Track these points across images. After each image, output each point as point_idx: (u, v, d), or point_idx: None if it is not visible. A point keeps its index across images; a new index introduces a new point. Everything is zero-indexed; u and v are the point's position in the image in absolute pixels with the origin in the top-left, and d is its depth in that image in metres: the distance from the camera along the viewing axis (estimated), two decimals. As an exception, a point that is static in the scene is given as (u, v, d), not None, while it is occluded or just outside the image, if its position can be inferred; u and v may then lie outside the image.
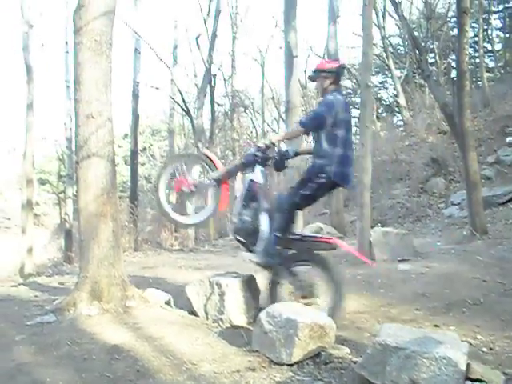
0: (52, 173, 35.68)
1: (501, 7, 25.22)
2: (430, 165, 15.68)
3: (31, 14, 17.50)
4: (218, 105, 17.32)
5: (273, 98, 28.17)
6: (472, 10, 17.08)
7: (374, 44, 10.76)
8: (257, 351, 4.00)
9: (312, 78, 4.99)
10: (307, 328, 3.77)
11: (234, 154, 22.23)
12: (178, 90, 16.67)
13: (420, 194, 14.92)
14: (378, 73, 30.24)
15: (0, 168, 26.38)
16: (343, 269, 7.60)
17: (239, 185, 4.97)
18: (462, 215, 11.75)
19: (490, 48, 25.40)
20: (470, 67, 10.41)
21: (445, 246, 8.77)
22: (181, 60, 18.97)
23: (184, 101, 16.43)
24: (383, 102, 32.68)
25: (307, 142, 12.89)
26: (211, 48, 16.71)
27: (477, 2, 20.31)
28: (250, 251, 4.86)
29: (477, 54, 22.56)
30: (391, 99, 31.30)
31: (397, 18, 20.01)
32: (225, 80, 23.54)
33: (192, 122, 17.00)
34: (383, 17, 23.66)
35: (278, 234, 4.62)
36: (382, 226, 11.54)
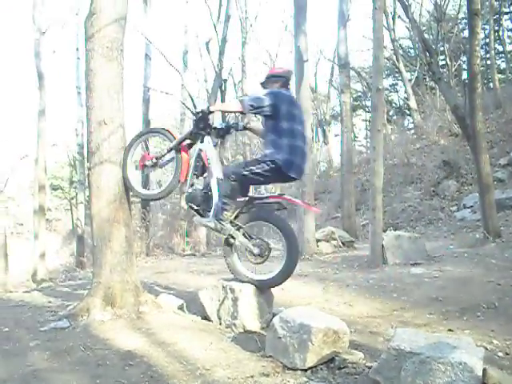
0: (64, 178, 35.93)
1: (512, 8, 25.09)
2: (442, 167, 15.60)
3: (42, 21, 17.63)
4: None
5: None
6: (482, 12, 17.02)
7: (384, 47, 10.72)
8: (270, 356, 4.00)
9: (263, 85, 5.06)
10: (321, 333, 3.76)
11: (244, 159, 22.24)
12: (189, 95, 16.71)
13: (432, 197, 14.84)
14: (388, 76, 30.23)
15: (12, 174, 26.54)
16: (356, 273, 7.60)
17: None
18: (475, 218, 11.68)
19: (501, 49, 25.26)
20: (481, 69, 10.33)
21: (458, 249, 8.71)
22: (191, 65, 18.95)
23: (195, 106, 16.44)
24: (394, 104, 32.62)
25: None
26: (221, 53, 16.74)
27: (487, 3, 20.23)
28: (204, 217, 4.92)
29: (488, 56, 22.48)
30: (402, 102, 31.26)
31: (407, 20, 19.99)
32: (235, 85, 23.60)
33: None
34: (393, 19, 23.63)
35: (224, 200, 4.68)
36: (394, 230, 11.48)
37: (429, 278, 6.56)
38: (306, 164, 4.85)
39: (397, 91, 33.22)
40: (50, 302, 6.18)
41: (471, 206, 12.77)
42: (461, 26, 23.90)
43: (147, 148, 5.41)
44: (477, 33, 8.98)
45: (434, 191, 15.04)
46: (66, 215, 33.38)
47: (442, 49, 21.21)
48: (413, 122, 24.72)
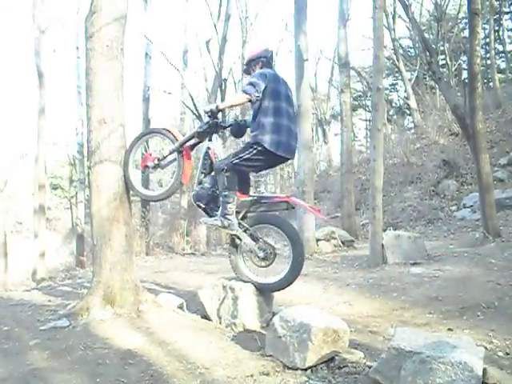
0: (64, 177, 35.92)
1: (512, 8, 25.08)
2: (442, 167, 15.60)
3: (43, 20, 17.63)
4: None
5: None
6: (483, 11, 17.02)
7: (384, 46, 10.71)
8: (270, 356, 4.00)
9: (247, 71, 5.07)
10: (321, 332, 3.76)
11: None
12: (189, 95, 16.70)
13: (432, 197, 14.83)
14: (388, 75, 30.23)
15: (12, 173, 26.54)
16: (356, 273, 7.60)
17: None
18: (475, 218, 11.68)
19: (501, 49, 25.25)
20: (481, 68, 10.33)
21: (457, 249, 8.70)
22: (191, 64, 18.93)
23: (195, 105, 16.44)
24: (394, 104, 32.61)
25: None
26: (221, 52, 16.75)
27: (488, 2, 20.22)
28: (212, 217, 4.92)
29: (488, 55, 22.47)
30: (402, 101, 31.25)
31: (407, 19, 19.97)
32: (235, 84, 23.57)
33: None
34: (393, 19, 23.64)
35: (225, 193, 4.65)
36: (394, 229, 11.47)
37: (429, 278, 6.56)
38: (295, 142, 4.76)
39: (397, 91, 33.27)
40: (49, 300, 6.17)
41: (471, 206, 12.78)
42: (461, 26, 23.91)
43: (148, 148, 5.42)
44: (477, 32, 8.97)
45: (433, 191, 15.03)
46: (66, 214, 33.34)
47: (442, 48, 21.22)
48: (413, 122, 24.73)
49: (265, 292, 4.89)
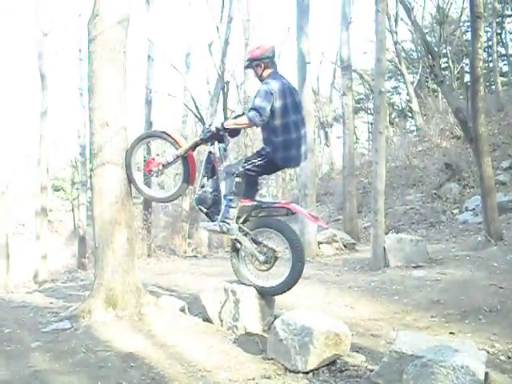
0: (66, 180, 35.94)
1: (514, 11, 25.04)
2: (444, 170, 15.58)
3: (45, 23, 17.69)
4: (231, 111, 17.30)
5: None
6: (485, 14, 17.00)
7: (386, 49, 10.72)
8: (272, 359, 4.00)
9: (248, 68, 5.06)
10: (322, 336, 3.76)
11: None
12: (191, 97, 16.71)
13: (434, 200, 14.81)
14: (390, 78, 30.16)
15: (14, 175, 26.57)
16: (357, 276, 7.60)
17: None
18: (477, 221, 11.66)
19: (503, 52, 25.21)
20: (483, 72, 10.33)
21: (459, 252, 8.69)
22: (194, 67, 18.97)
23: (197, 107, 16.44)
24: (396, 107, 32.58)
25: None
26: (224, 55, 16.73)
27: (490, 5, 20.21)
28: (214, 221, 4.93)
29: (490, 59, 22.44)
30: (404, 104, 31.22)
31: (409, 23, 19.93)
32: (237, 86, 23.56)
33: (205, 128, 16.97)
34: (395, 22, 23.59)
35: (230, 197, 4.68)
36: (396, 232, 11.47)
37: (430, 281, 6.55)
38: (305, 148, 4.83)
39: (399, 93, 33.18)
40: (51, 303, 6.18)
41: (473, 209, 12.75)
42: (463, 29, 23.86)
43: (150, 152, 5.45)
44: (479, 35, 8.96)
45: (435, 194, 15.01)
46: (68, 216, 33.37)
47: (444, 51, 21.20)
48: (415, 125, 24.69)
49: (266, 295, 4.89)
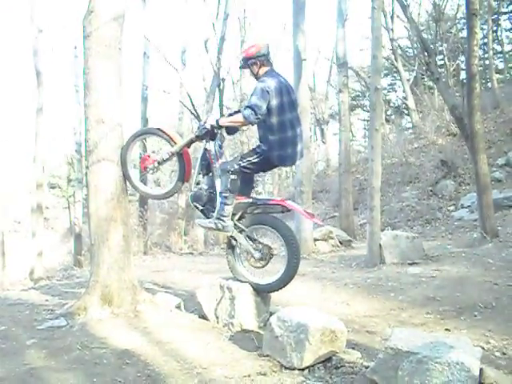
0: (61, 177, 35.85)
1: (510, 8, 25.05)
2: (440, 167, 15.61)
3: (41, 19, 17.64)
4: (227, 108, 17.28)
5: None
6: (481, 12, 17.03)
7: (382, 46, 10.72)
8: (267, 355, 4.00)
9: (242, 67, 5.05)
10: (318, 332, 3.76)
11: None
12: (187, 94, 16.68)
13: (430, 197, 14.85)
14: (386, 75, 30.17)
15: (10, 172, 26.51)
16: (353, 273, 7.61)
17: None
18: (472, 218, 11.69)
19: (499, 49, 25.26)
20: (479, 69, 10.34)
21: (455, 249, 8.71)
22: (189, 64, 18.90)
23: (193, 104, 16.41)
24: (392, 104, 32.59)
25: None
26: (220, 52, 16.71)
27: (486, 3, 20.22)
28: (209, 218, 4.93)
29: (486, 56, 22.46)
30: (400, 101, 31.21)
31: (405, 20, 19.94)
32: (233, 83, 23.53)
33: (201, 125, 16.93)
34: (391, 19, 23.58)
35: (225, 195, 4.70)
36: (392, 229, 11.50)
37: (426, 278, 6.56)
38: (301, 145, 4.84)
39: (395, 91, 33.18)
40: (47, 300, 6.17)
41: (469, 206, 12.79)
42: (459, 26, 23.85)
43: (146, 149, 5.44)
44: (475, 33, 8.97)
45: (431, 191, 15.04)
46: (64, 214, 33.33)
47: (440, 48, 21.18)
48: (411, 122, 24.72)
49: (262, 292, 4.90)
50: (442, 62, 22.11)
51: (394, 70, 26.44)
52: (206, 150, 4.97)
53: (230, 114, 5.00)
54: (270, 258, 4.80)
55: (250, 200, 4.86)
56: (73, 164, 24.88)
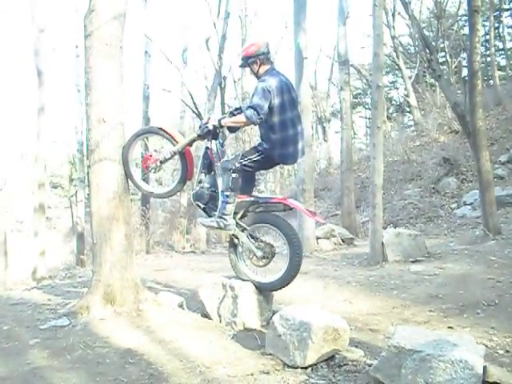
0: (64, 176, 35.93)
1: (512, 5, 25.04)
2: (442, 165, 15.58)
3: (42, 19, 17.62)
4: (229, 107, 17.28)
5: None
6: (483, 8, 16.99)
7: (383, 44, 10.70)
8: (270, 354, 4.00)
9: (242, 66, 5.04)
10: (321, 331, 3.76)
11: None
12: (189, 93, 16.68)
13: (432, 195, 14.82)
14: (388, 73, 30.19)
15: (12, 171, 26.54)
16: (356, 271, 7.60)
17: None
18: (475, 215, 11.67)
19: (501, 46, 25.23)
20: (481, 66, 10.32)
21: (458, 246, 8.70)
22: (191, 62, 18.93)
23: (194, 103, 16.42)
24: (394, 102, 32.60)
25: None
26: (221, 50, 16.70)
27: None
28: (211, 217, 4.94)
29: (488, 53, 22.45)
30: (402, 99, 31.22)
31: (407, 17, 19.93)
32: (235, 82, 23.53)
33: (202, 124, 16.93)
34: (393, 16, 23.57)
35: (227, 193, 4.69)
36: (394, 227, 11.48)
37: (429, 276, 6.56)
38: (302, 144, 4.83)
39: (397, 88, 33.21)
40: (49, 299, 6.17)
41: (471, 203, 12.77)
42: (461, 23, 23.87)
43: (148, 149, 5.45)
44: (477, 30, 8.96)
45: (434, 188, 15.01)
46: (66, 213, 33.39)
47: (442, 46, 21.20)
48: (413, 119, 24.70)
49: (264, 291, 4.90)
50: (444, 60, 22.14)
51: (396, 67, 26.41)
52: (207, 148, 4.96)
53: (231, 113, 4.99)
54: (273, 257, 4.79)
55: (252, 198, 4.85)
56: (75, 163, 24.92)
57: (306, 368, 3.74)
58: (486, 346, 3.96)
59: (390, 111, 30.09)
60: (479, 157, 8.91)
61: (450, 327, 4.63)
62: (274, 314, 4.32)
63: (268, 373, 3.69)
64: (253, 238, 4.85)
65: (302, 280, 6.26)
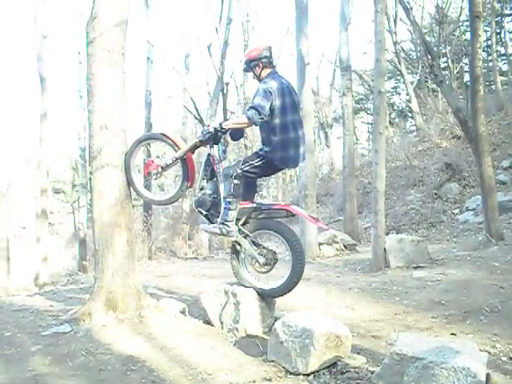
0: (66, 182, 35.96)
1: (514, 10, 25.05)
2: (444, 170, 15.55)
3: (45, 25, 17.68)
4: (231, 112, 17.33)
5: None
6: (484, 14, 17.00)
7: (385, 49, 10.72)
8: (272, 361, 3.99)
9: (246, 70, 5.05)
10: (323, 337, 3.75)
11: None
12: (191, 99, 16.72)
13: (434, 200, 14.78)
14: (390, 78, 30.18)
15: (15, 177, 26.59)
16: (358, 277, 7.58)
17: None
18: (478, 221, 11.64)
19: (503, 51, 25.22)
20: (483, 71, 10.32)
21: (460, 252, 8.68)
22: (193, 68, 18.96)
23: (197, 109, 16.46)
24: (396, 107, 32.59)
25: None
26: (223, 56, 16.74)
27: (489, 5, 20.21)
28: (213, 223, 4.93)
29: (490, 58, 22.43)
30: (404, 105, 31.22)
31: (408, 23, 19.95)
32: (237, 88, 23.57)
33: (205, 130, 16.96)
34: (395, 22, 23.57)
35: (228, 200, 4.70)
36: (397, 233, 11.46)
37: (431, 282, 6.54)
38: (303, 148, 4.82)
39: (399, 94, 33.19)
40: (51, 306, 6.17)
41: (474, 209, 12.74)
42: (462, 29, 23.85)
43: (150, 154, 5.46)
44: (479, 35, 8.96)
45: (436, 194, 14.98)
46: (69, 219, 33.40)
47: (443, 51, 21.18)
48: (415, 125, 24.67)
49: (266, 297, 4.89)
50: (446, 65, 22.15)
51: (398, 73, 26.42)
52: (209, 155, 4.97)
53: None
54: (275, 263, 4.78)
55: (254, 205, 4.85)
56: (77, 169, 24.90)
57: (308, 375, 3.74)
58: (489, 352, 3.94)
59: (392, 117, 30.08)
60: (481, 162, 8.91)
61: (452, 334, 4.61)
62: (276, 320, 4.31)
63: (270, 380, 3.68)
64: (255, 244, 4.84)
65: (304, 286, 6.25)
